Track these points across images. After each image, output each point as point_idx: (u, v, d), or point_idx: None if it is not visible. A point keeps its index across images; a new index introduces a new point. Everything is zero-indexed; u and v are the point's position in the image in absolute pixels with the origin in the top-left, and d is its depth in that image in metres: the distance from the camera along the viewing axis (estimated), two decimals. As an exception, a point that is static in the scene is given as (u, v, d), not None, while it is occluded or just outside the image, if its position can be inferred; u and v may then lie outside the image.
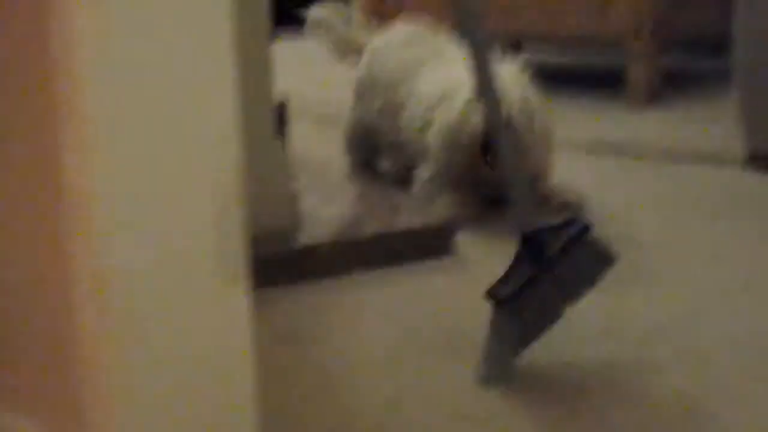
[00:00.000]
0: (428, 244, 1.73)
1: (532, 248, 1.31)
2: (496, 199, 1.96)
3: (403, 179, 2.07)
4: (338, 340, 1.43)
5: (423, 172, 1.99)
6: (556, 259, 1.30)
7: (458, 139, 1.90)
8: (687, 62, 3.68)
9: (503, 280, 1.33)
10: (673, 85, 3.13)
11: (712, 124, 2.59)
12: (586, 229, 1.33)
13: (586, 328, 1.42)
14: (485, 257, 1.74)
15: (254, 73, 1.64)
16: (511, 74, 1.92)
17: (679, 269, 1.65)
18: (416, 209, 1.85)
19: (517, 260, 1.33)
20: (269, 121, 1.68)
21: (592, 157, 2.41)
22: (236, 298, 1.19)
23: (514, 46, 2.17)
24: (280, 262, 1.63)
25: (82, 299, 1.03)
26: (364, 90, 2.20)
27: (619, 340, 1.39)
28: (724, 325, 1.42)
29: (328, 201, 1.87)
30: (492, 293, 1.33)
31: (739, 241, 1.77)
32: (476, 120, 1.84)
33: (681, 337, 1.39)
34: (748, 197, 2.02)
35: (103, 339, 1.03)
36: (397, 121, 2.08)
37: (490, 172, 1.87)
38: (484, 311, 1.50)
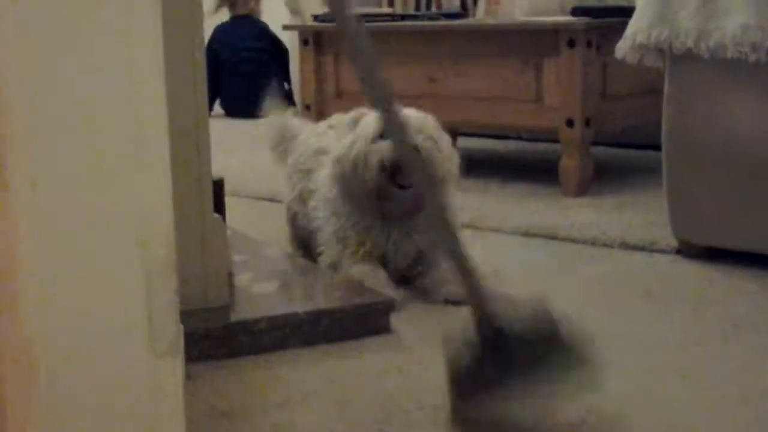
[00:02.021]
0: (363, 322, 1.73)
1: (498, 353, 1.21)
2: (404, 276, 1.99)
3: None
4: (271, 416, 1.42)
5: (324, 241, 2.02)
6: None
7: (366, 167, 1.91)
8: (619, 154, 3.77)
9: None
10: (606, 175, 3.20)
11: (644, 212, 2.64)
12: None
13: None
14: (420, 336, 1.74)
15: (192, 150, 1.64)
16: (415, 114, 1.97)
17: (611, 352, 1.67)
18: (353, 288, 1.85)
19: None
20: (206, 197, 1.68)
21: (527, 241, 2.45)
22: (168, 370, 1.17)
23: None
24: (215, 337, 1.61)
25: (8, 371, 1.01)
26: (291, 174, 2.25)
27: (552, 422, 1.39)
28: (656, 409, 1.43)
29: (263, 277, 1.86)
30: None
31: (670, 325, 1.80)
32: (380, 146, 1.89)
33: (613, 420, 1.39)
34: (679, 283, 2.06)
35: (30, 412, 1.01)
36: (306, 208, 2.13)
37: (400, 193, 1.91)
38: (417, 390, 1.50)
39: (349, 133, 1.99)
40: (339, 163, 1.97)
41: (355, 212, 1.97)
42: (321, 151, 2.15)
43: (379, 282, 1.90)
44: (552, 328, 1.24)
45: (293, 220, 2.25)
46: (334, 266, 1.97)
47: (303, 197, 2.16)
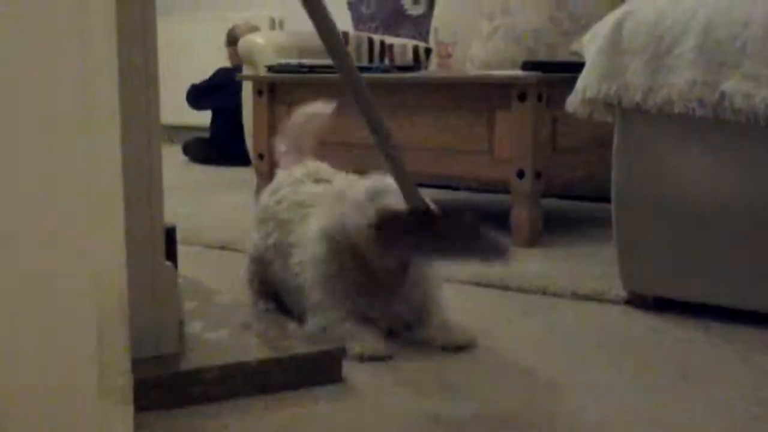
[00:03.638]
0: (314, 371, 1.72)
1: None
2: (394, 332, 1.99)
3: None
4: (221, 467, 1.40)
5: (314, 304, 1.99)
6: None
7: (349, 236, 1.91)
8: (570, 206, 3.82)
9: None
10: (556, 226, 3.24)
11: (594, 264, 2.68)
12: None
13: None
14: (371, 385, 1.74)
15: (145, 197, 1.64)
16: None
17: (562, 401, 1.68)
18: (305, 336, 1.85)
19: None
20: (158, 244, 1.68)
21: (478, 291, 2.46)
22: (119, 420, 1.16)
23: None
24: (165, 386, 1.60)
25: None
26: (262, 220, 2.20)
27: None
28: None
29: (215, 325, 1.85)
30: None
31: (620, 375, 1.81)
32: (364, 215, 1.89)
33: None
34: (628, 334, 2.08)
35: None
36: (287, 260, 2.09)
37: (383, 261, 1.91)
38: (369, 439, 1.50)
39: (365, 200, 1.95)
40: (328, 235, 1.97)
41: (345, 276, 1.97)
42: (302, 204, 2.11)
43: (367, 339, 1.90)
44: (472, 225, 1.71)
45: (264, 267, 2.22)
46: (324, 329, 1.95)
47: (281, 249, 2.11)
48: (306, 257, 2.03)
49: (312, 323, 1.98)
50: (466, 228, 1.72)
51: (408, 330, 2.00)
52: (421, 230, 1.74)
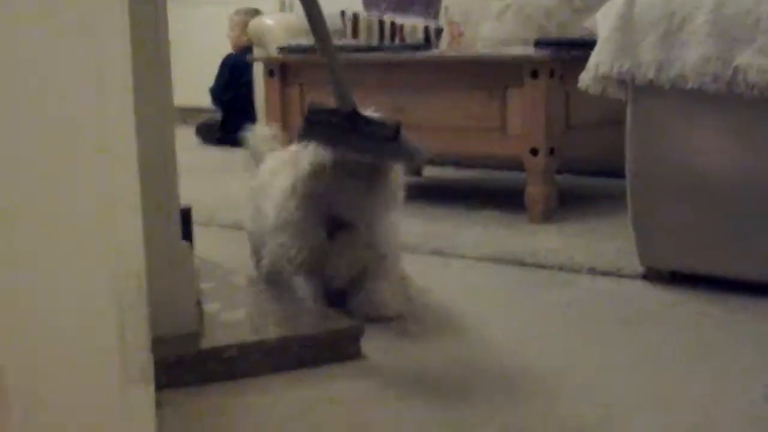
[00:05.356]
0: (334, 349, 1.73)
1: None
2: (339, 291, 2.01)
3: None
4: (241, 444, 1.41)
5: (274, 244, 2.03)
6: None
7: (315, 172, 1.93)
8: (585, 182, 3.81)
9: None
10: (571, 202, 3.23)
11: (610, 239, 2.67)
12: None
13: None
14: (390, 362, 1.75)
15: (160, 178, 1.65)
16: None
17: (577, 379, 1.68)
18: (322, 314, 1.86)
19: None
20: (174, 225, 1.69)
21: (495, 267, 2.46)
22: (140, 397, 1.17)
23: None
24: (184, 365, 1.61)
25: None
26: (250, 201, 2.26)
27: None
28: None
29: (232, 305, 1.86)
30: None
31: (637, 349, 1.82)
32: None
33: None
34: (646, 308, 2.08)
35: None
36: (260, 223, 2.13)
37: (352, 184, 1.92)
38: (387, 416, 1.51)
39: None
40: (299, 174, 1.97)
41: (305, 220, 1.98)
42: (277, 168, 2.14)
43: (310, 295, 1.94)
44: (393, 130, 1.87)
45: (250, 237, 2.26)
46: (276, 272, 2.00)
47: (259, 209, 2.16)
48: (275, 201, 2.05)
49: (263, 264, 2.04)
50: (386, 131, 1.83)
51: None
52: (344, 126, 1.88)
